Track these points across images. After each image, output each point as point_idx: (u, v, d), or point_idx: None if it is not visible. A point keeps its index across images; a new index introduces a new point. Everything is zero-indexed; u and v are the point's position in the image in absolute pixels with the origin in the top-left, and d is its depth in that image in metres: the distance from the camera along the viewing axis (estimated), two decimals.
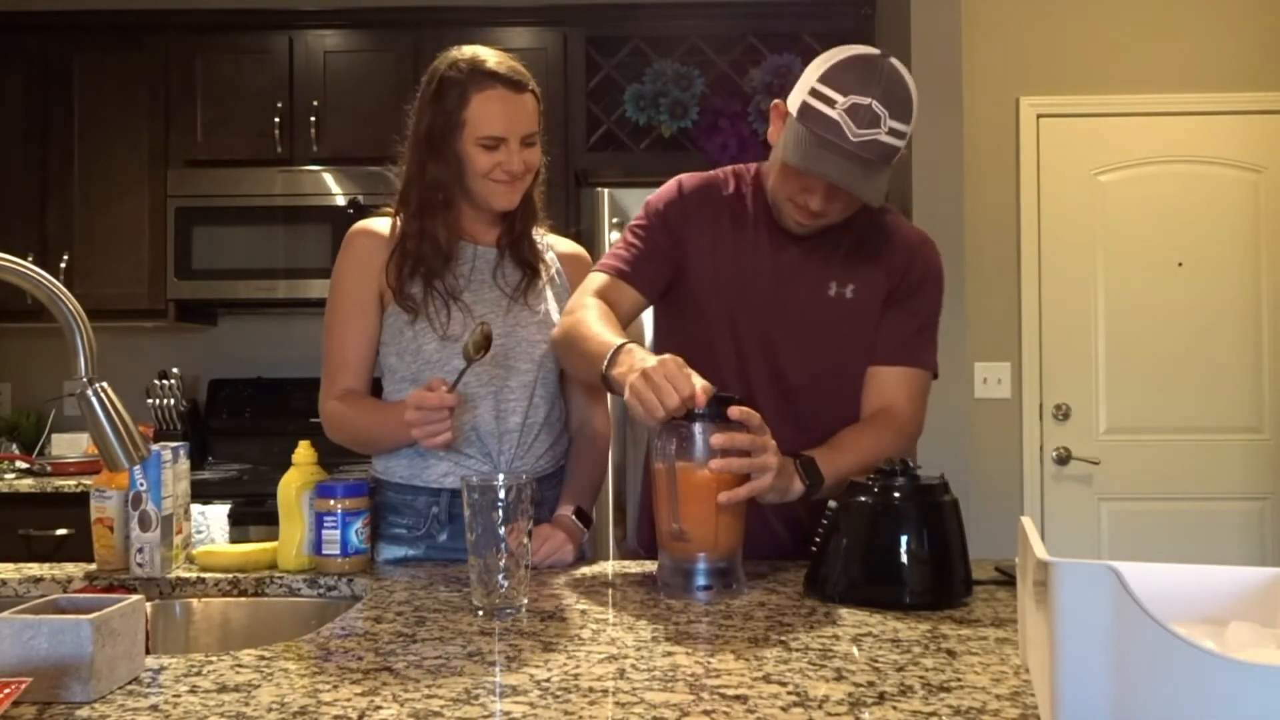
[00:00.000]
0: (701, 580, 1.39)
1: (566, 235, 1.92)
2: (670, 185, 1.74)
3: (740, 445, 1.37)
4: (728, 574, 1.40)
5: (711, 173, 1.76)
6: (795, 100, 1.54)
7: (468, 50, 1.70)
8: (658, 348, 1.63)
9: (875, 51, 1.54)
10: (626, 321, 1.67)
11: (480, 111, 1.65)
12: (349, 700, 0.97)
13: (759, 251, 1.66)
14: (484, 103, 1.65)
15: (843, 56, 1.52)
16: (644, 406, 1.33)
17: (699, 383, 1.33)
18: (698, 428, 1.37)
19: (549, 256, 1.82)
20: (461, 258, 1.73)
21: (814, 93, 1.50)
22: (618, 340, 1.46)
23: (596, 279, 1.68)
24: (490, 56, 1.69)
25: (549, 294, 1.79)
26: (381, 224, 1.75)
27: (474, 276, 1.74)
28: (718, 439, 1.36)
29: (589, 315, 1.57)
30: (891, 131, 1.48)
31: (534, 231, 1.80)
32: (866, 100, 1.46)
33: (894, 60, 1.53)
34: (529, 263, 1.77)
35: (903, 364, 1.68)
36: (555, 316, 1.76)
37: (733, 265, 1.66)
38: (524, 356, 1.73)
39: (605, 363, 1.44)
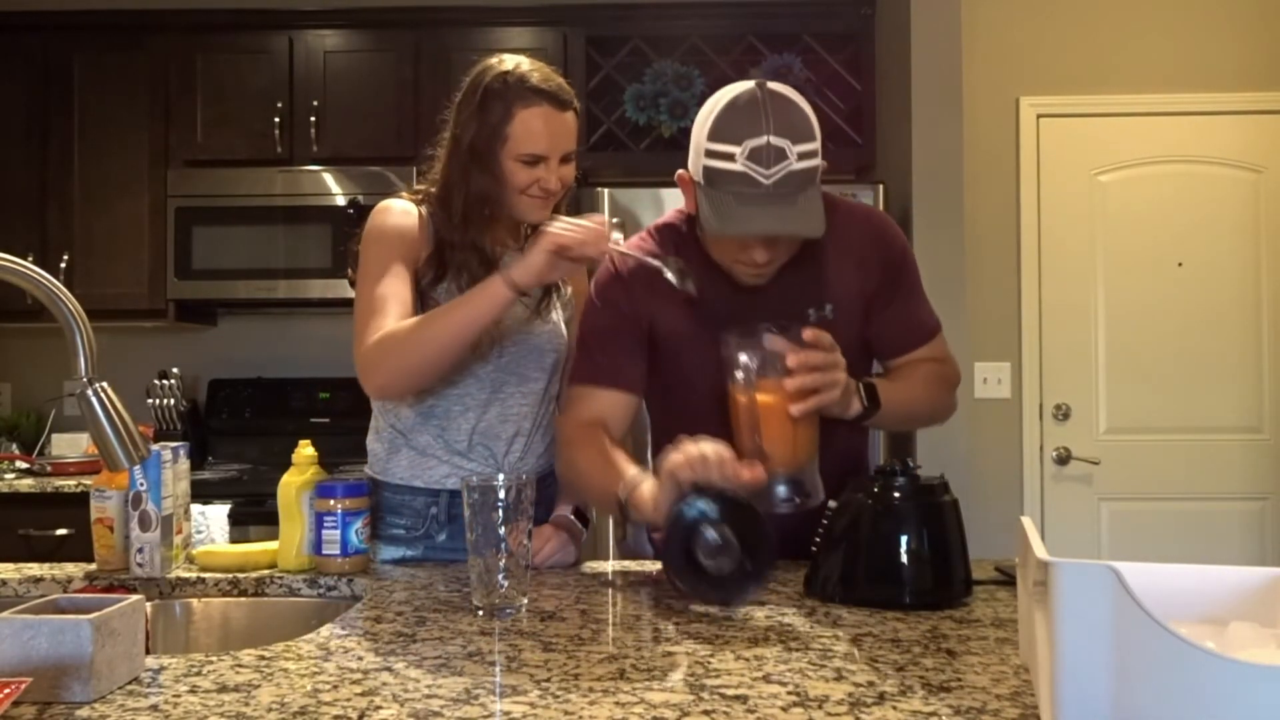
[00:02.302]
0: (782, 493, 1.43)
1: None
2: (609, 269, 1.65)
3: (814, 363, 1.41)
4: (805, 485, 1.45)
5: (643, 240, 1.67)
6: (696, 167, 1.50)
7: (510, 61, 1.66)
8: (651, 417, 1.73)
9: (749, 86, 1.48)
10: (625, 427, 1.64)
11: (523, 128, 1.62)
12: (349, 700, 0.97)
13: (723, 301, 1.58)
14: (527, 119, 1.62)
15: (721, 106, 1.47)
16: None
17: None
18: (771, 353, 1.43)
19: None
20: None
21: (710, 153, 1.46)
22: (619, 493, 1.44)
23: (582, 395, 1.62)
24: (536, 71, 1.66)
25: (557, 303, 1.79)
26: (410, 209, 1.69)
27: None
28: (793, 359, 1.41)
29: (586, 460, 1.54)
30: (801, 155, 1.44)
31: None
32: (763, 140, 1.42)
33: (772, 86, 1.47)
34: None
35: (922, 345, 1.69)
36: (563, 326, 1.78)
37: (702, 326, 1.57)
38: (535, 365, 1.73)
39: (619, 510, 1.45)
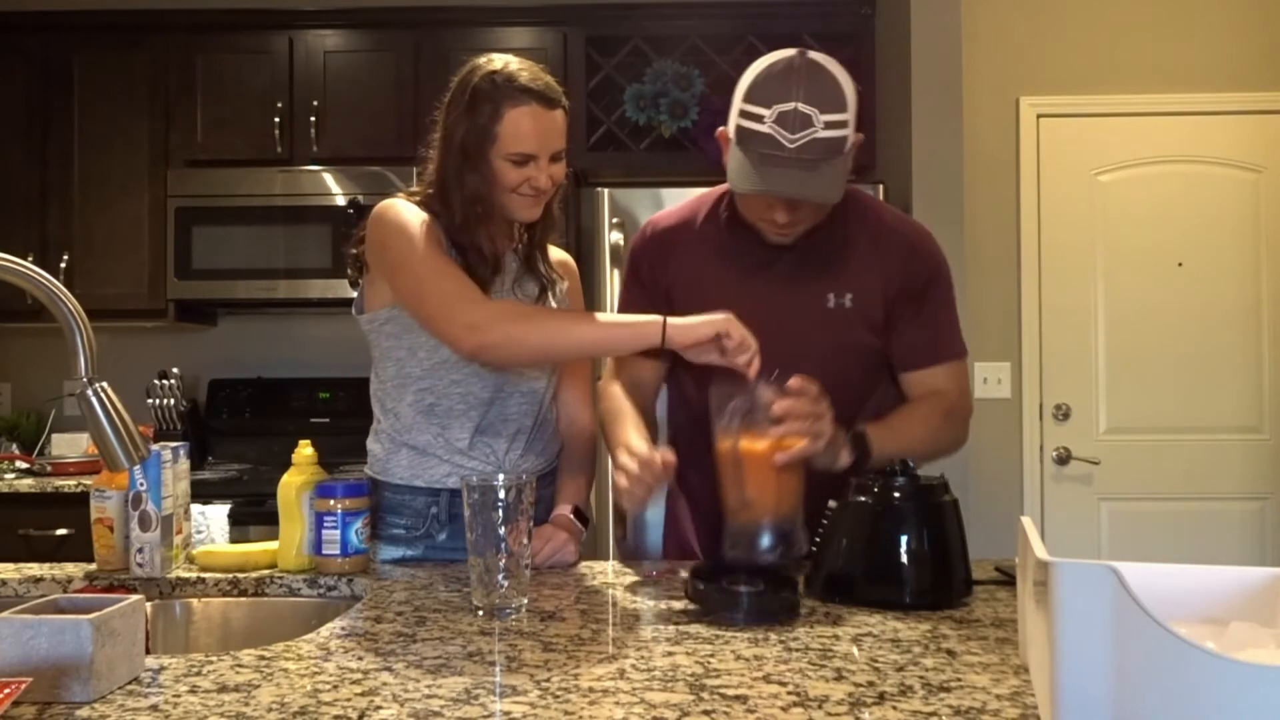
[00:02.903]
0: (765, 543, 1.43)
1: (561, 238, 1.90)
2: (641, 234, 1.78)
3: (799, 412, 1.42)
4: (789, 535, 1.44)
5: (683, 205, 1.77)
6: (731, 126, 1.56)
7: (499, 60, 1.66)
8: (667, 385, 1.80)
9: (791, 53, 1.54)
10: (657, 389, 1.79)
11: (512, 128, 1.62)
12: (349, 700, 0.97)
13: (746, 275, 1.64)
14: (516, 119, 1.61)
15: (760, 70, 1.54)
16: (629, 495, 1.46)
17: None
18: (757, 402, 1.43)
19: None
20: None
21: (743, 114, 1.53)
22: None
23: (619, 359, 1.75)
24: (524, 70, 1.65)
25: (552, 303, 1.79)
26: (413, 207, 1.67)
27: (497, 286, 1.72)
28: (778, 407, 1.41)
29: (613, 410, 1.67)
30: (829, 125, 1.49)
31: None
32: (791, 105, 1.48)
33: (813, 55, 1.53)
34: (544, 275, 1.76)
35: (939, 363, 1.69)
36: None
37: (720, 296, 1.60)
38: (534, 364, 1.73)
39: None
